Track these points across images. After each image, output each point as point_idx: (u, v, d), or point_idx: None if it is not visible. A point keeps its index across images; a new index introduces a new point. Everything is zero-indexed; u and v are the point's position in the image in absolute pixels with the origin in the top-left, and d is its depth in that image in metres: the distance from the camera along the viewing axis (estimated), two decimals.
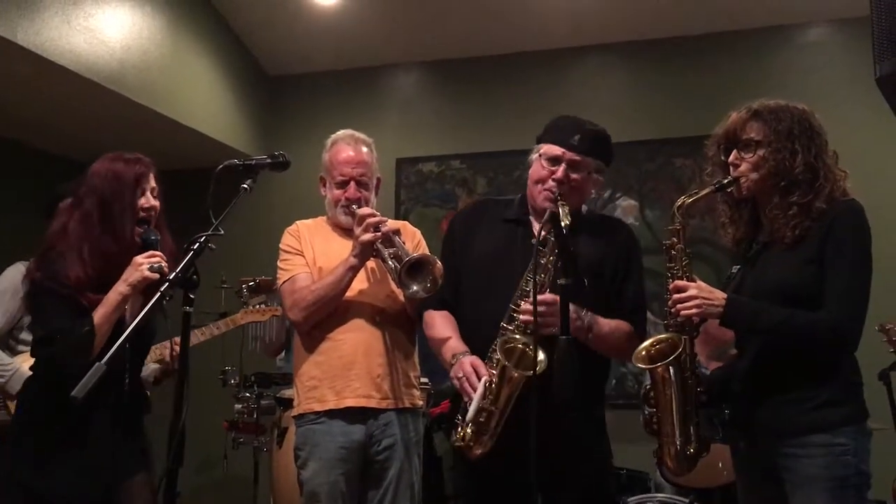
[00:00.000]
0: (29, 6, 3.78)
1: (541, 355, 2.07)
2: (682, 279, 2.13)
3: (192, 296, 2.14)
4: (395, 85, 5.70)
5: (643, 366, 2.15)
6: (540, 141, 2.44)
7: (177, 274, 2.07)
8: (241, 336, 4.44)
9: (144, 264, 2.25)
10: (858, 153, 4.21)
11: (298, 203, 4.20)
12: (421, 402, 2.86)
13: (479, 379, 2.20)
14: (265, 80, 5.79)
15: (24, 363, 3.04)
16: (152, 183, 2.43)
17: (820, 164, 2.10)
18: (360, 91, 5.63)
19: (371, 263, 2.74)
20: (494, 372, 2.18)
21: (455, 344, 2.38)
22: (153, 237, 2.35)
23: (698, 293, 2.08)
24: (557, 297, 2.09)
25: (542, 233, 2.18)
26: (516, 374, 2.13)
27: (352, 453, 2.63)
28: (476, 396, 2.16)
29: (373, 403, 2.65)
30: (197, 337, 3.52)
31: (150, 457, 2.46)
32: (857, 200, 2.11)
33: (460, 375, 2.25)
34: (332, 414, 2.65)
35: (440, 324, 2.49)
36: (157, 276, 2.22)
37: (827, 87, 4.80)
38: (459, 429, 2.22)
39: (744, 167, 2.14)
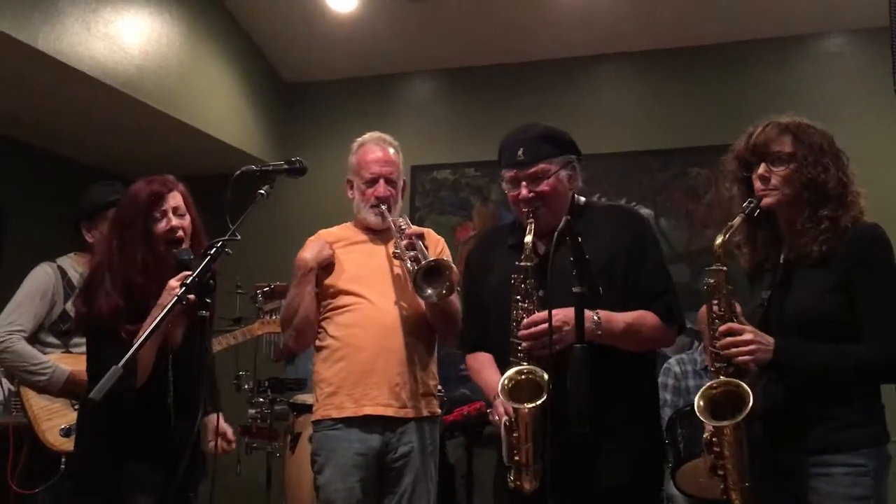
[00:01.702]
0: (50, 13, 3.82)
1: (545, 376, 2.05)
2: (733, 321, 2.06)
3: (209, 300, 2.16)
4: (410, 92, 5.72)
5: (711, 422, 2.02)
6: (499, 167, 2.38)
7: (194, 279, 2.09)
8: (255, 342, 4.46)
9: (177, 287, 2.18)
10: (875, 165, 4.19)
11: (314, 209, 4.23)
12: (439, 411, 2.84)
13: None
14: (282, 87, 5.83)
15: (60, 362, 3.07)
16: (173, 202, 2.36)
17: (847, 181, 2.09)
18: (376, 98, 5.65)
19: (396, 270, 2.75)
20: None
21: (493, 382, 2.27)
22: (186, 257, 2.29)
23: (754, 337, 2.02)
24: (545, 314, 2.04)
25: (552, 251, 2.06)
26: (525, 410, 2.07)
27: (368, 460, 2.64)
28: (503, 440, 2.12)
29: (391, 412, 2.65)
30: (214, 346, 3.54)
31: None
32: (880, 225, 2.10)
33: (495, 419, 2.19)
34: (349, 421, 2.65)
35: (480, 367, 2.41)
36: (192, 298, 2.15)
37: (843, 97, 4.77)
38: (510, 472, 2.15)
39: (775, 180, 2.11)
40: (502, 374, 2.21)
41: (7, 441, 3.11)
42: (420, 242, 2.62)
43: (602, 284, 2.15)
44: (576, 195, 2.40)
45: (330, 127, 5.55)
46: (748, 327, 2.05)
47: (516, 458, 2.11)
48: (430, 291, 2.50)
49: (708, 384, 2.08)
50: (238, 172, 2.30)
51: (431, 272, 2.50)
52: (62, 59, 3.89)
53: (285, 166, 2.39)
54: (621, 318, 2.20)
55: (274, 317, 4.00)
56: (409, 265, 2.57)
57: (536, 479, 2.09)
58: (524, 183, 2.27)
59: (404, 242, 2.64)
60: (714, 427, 2.03)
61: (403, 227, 2.71)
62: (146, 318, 2.20)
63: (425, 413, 2.72)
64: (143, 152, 5.22)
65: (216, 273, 2.25)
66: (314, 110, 5.75)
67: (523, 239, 2.21)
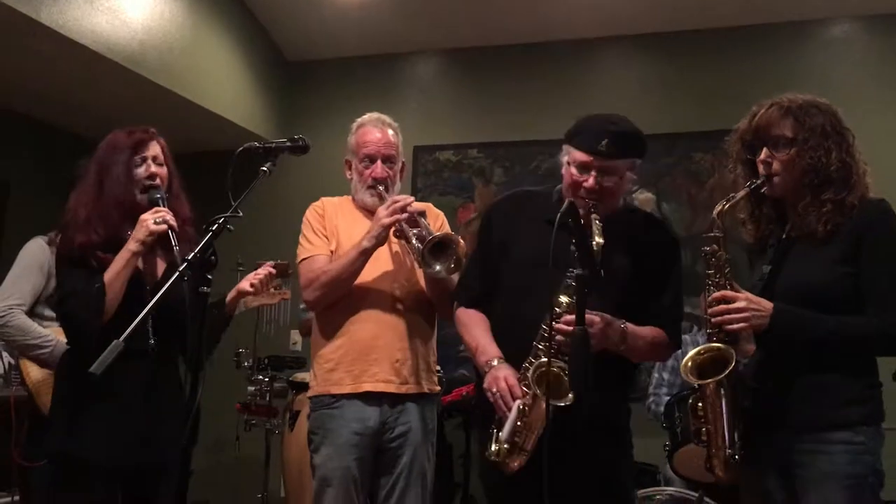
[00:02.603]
0: None
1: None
2: (727, 288, 2.07)
3: (209, 276, 2.16)
4: (414, 72, 5.69)
5: (694, 380, 2.08)
6: (568, 142, 2.31)
7: (195, 254, 2.09)
8: (255, 318, 4.48)
9: (149, 219, 2.32)
10: (883, 150, 4.18)
11: (316, 187, 4.21)
12: (438, 388, 2.84)
13: (514, 399, 2.13)
14: (285, 65, 5.80)
15: (60, 336, 3.07)
16: (153, 151, 2.46)
17: (852, 161, 2.08)
18: (380, 78, 5.62)
19: (395, 247, 2.74)
20: (528, 392, 2.11)
21: (488, 348, 2.29)
22: (157, 195, 2.40)
23: (748, 304, 2.02)
24: (594, 318, 2.06)
25: (554, 233, 2.09)
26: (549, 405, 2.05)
27: (365, 439, 2.63)
28: (510, 420, 2.11)
29: (391, 388, 2.65)
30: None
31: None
32: (886, 200, 2.09)
33: (494, 391, 2.17)
34: (348, 398, 2.65)
35: (473, 324, 2.40)
36: (163, 227, 2.30)
37: (850, 83, 4.75)
38: (495, 443, 2.16)
39: (776, 165, 2.10)
40: (496, 340, 2.29)
41: (6, 414, 3.11)
42: (423, 219, 2.62)
43: (621, 287, 2.19)
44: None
45: (333, 105, 5.53)
46: (742, 294, 2.06)
47: (517, 439, 2.12)
48: (438, 267, 2.49)
49: (695, 349, 2.11)
50: (240, 149, 2.30)
51: (438, 247, 2.50)
52: (64, 33, 3.87)
53: (288, 144, 2.38)
54: (642, 336, 2.25)
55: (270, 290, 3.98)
56: (414, 242, 2.57)
57: (523, 461, 2.13)
58: (594, 172, 2.24)
59: (406, 218, 2.62)
60: (698, 388, 2.07)
61: None
62: (117, 251, 2.32)
63: (426, 389, 2.72)
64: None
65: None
66: (317, 88, 5.73)
67: (559, 214, 2.07)
